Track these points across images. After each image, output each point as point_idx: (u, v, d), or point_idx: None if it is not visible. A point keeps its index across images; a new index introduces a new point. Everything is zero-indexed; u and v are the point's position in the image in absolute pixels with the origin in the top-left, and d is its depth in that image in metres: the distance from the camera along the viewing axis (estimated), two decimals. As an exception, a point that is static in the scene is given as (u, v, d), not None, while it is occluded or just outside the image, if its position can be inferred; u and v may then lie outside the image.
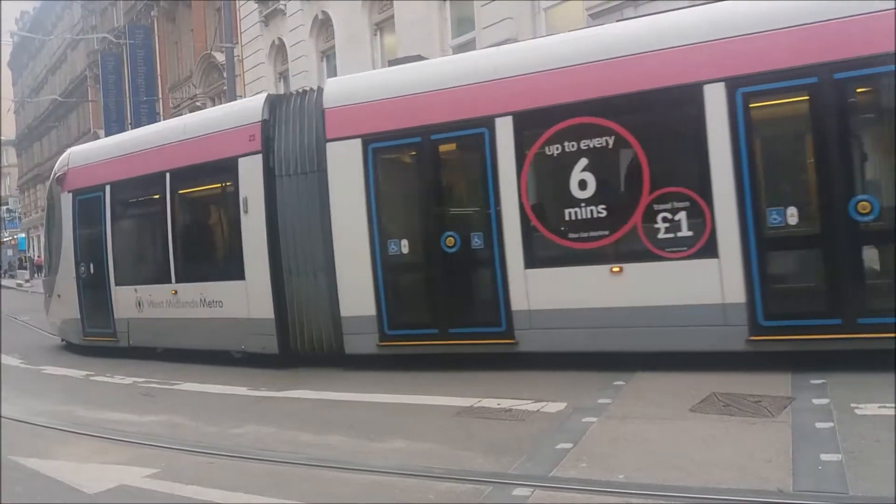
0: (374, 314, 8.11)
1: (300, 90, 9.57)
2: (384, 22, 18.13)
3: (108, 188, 11.10)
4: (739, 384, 6.19)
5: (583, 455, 4.79)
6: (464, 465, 4.84)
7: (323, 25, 20.11)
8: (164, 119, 29.84)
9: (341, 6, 18.92)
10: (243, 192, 9.11)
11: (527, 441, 5.22)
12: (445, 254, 7.80)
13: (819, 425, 4.94)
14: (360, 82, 8.73)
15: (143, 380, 9.11)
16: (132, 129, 30.52)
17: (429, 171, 7.99)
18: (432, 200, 7.99)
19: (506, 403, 6.19)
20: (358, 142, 8.18)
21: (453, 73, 7.93)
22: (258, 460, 5.36)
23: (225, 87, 20.47)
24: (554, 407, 6.01)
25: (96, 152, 11.75)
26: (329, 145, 8.40)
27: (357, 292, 8.19)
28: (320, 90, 8.94)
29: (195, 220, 10.65)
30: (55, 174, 12.29)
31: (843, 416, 5.11)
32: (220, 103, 21.42)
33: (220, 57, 23.22)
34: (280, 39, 21.88)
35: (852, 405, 5.28)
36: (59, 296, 12.17)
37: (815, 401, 5.52)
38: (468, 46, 15.78)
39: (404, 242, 8.05)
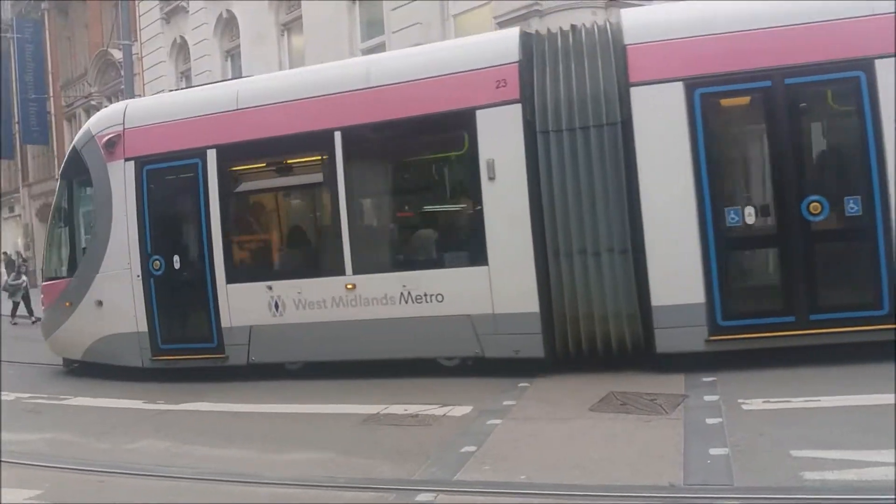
0: (703, 301, 6.52)
1: (566, 27, 7.52)
2: (292, 22, 17.83)
3: (212, 153, 8.16)
4: (637, 384, 6.41)
5: (486, 457, 4.83)
6: (368, 473, 4.79)
7: (228, 24, 19.59)
8: (54, 118, 28.31)
9: (247, 5, 18.48)
10: (486, 152, 7.06)
11: (432, 446, 5.22)
12: (807, 223, 6.39)
13: (709, 421, 5.17)
14: (676, 13, 7.01)
15: (28, 395, 8.54)
16: (20, 128, 28.97)
17: (783, 123, 6.53)
18: (789, 158, 6.50)
19: (413, 409, 6.17)
20: (679, 86, 6.55)
21: (814, 6, 6.45)
22: (154, 476, 5.12)
23: (122, 87, 19.56)
24: (460, 411, 6.04)
25: (183, 105, 8.66)
26: (635, 91, 6.69)
27: (677, 275, 6.58)
28: (608, 25, 7.26)
29: (389, 192, 8.25)
30: (92, 137, 8.90)
31: (731, 411, 5.37)
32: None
33: (118, 54, 22.19)
34: (182, 38, 21.15)
35: (740, 401, 5.57)
36: (98, 303, 8.82)
37: (706, 398, 5.78)
38: (378, 50, 15.74)
39: (748, 210, 6.55)
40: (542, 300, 6.92)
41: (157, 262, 8.49)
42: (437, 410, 6.08)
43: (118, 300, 8.65)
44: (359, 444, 5.48)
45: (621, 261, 6.77)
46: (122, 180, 8.63)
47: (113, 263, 8.67)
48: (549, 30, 7.57)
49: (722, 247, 6.53)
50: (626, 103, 6.74)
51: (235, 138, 8.07)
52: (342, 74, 7.95)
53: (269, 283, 7.93)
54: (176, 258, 8.47)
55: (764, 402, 5.50)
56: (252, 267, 8.41)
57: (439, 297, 7.26)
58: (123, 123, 8.75)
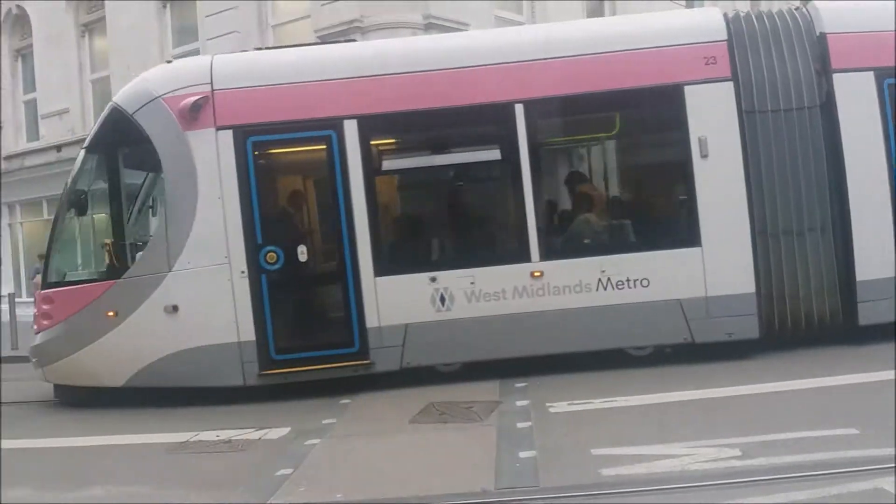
0: (895, 276, 6.94)
1: (761, 11, 7.74)
2: (94, 24, 16.61)
3: (350, 125, 7.03)
4: (458, 393, 6.57)
5: (302, 479, 4.70)
6: (174, 505, 4.48)
7: (18, 21, 17.85)
8: None
9: (41, 2, 16.92)
10: (697, 130, 6.98)
11: (245, 471, 4.99)
12: None
13: (519, 425, 5.42)
14: (867, 8, 7.36)
15: None
16: None
17: None
18: None
19: (225, 434, 5.85)
20: (871, 75, 7.04)
21: None
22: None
23: None
24: (277, 433, 5.82)
25: (301, 66, 7.28)
26: (837, 77, 7.05)
27: (877, 251, 6.93)
28: (798, 13, 7.46)
29: (580, 169, 7.88)
30: (155, 98, 7.15)
31: (539, 415, 5.67)
32: None
33: None
34: (-39, 33, 18.88)
35: (548, 404, 5.90)
36: (171, 308, 7.05)
37: (518, 402, 6.06)
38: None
39: None
40: (759, 280, 6.95)
41: (273, 254, 7.03)
42: (252, 434, 5.82)
43: (207, 303, 7.01)
44: (166, 475, 5.12)
45: (822, 239, 7.07)
46: (213, 154, 7.03)
47: (197, 257, 7.00)
48: (738, 12, 7.68)
49: None
50: (823, 88, 7.10)
51: (384, 108, 7.09)
52: (522, 42, 7.39)
53: (432, 273, 7.02)
54: (301, 249, 7.14)
55: (569, 404, 5.87)
56: (409, 257, 7.39)
57: (644, 282, 6.93)
58: (211, 83, 7.14)
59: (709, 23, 7.28)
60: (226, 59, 7.68)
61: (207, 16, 14.40)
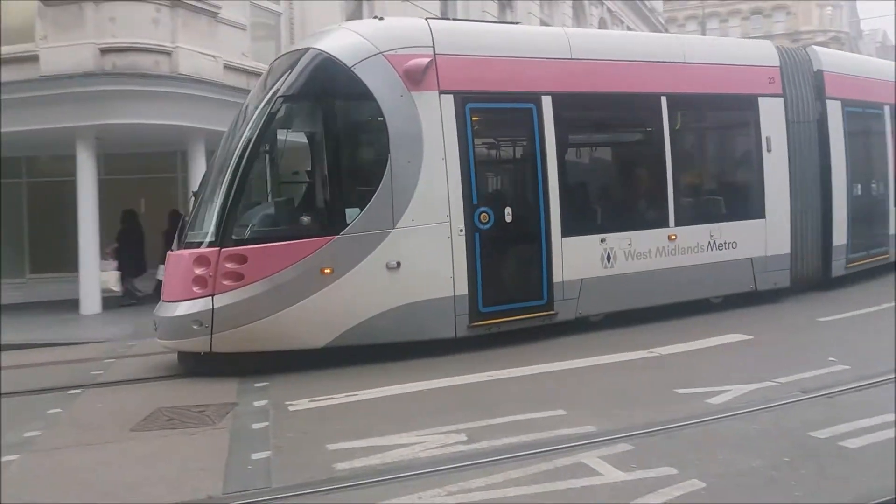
0: (844, 243, 10.25)
1: (785, 47, 10.68)
2: None
3: (547, 100, 7.89)
4: (190, 395, 6.16)
5: (-10, 503, 4.04)
6: None
7: None
8: None
9: None
10: (766, 131, 9.36)
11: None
12: None
13: (255, 426, 5.21)
14: (845, 57, 11.16)
15: None
16: None
17: None
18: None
19: None
20: (838, 104, 10.15)
21: None
22: None
23: None
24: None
25: (517, 41, 8.17)
26: (829, 102, 10.04)
27: (848, 223, 10.23)
28: (810, 54, 10.36)
29: (699, 153, 9.93)
30: (378, 54, 7.12)
31: (278, 414, 5.51)
32: None
33: None
34: None
35: (287, 403, 5.74)
36: (394, 265, 7.02)
37: (256, 403, 5.83)
38: None
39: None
40: (792, 243, 9.57)
41: (486, 214, 7.54)
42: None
43: (428, 260, 7.29)
44: None
45: (814, 215, 9.87)
46: (437, 116, 7.33)
47: (420, 216, 7.22)
48: (779, 47, 10.24)
49: (850, 206, 10.45)
50: (818, 109, 10.00)
51: (570, 88, 8.11)
52: (669, 47, 9.28)
53: (603, 235, 8.23)
54: (508, 210, 7.71)
55: (310, 401, 5.77)
56: (587, 220, 8.47)
57: (734, 244, 9.08)
58: (433, 47, 7.39)
59: (767, 51, 9.85)
60: (442, 24, 8.12)
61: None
